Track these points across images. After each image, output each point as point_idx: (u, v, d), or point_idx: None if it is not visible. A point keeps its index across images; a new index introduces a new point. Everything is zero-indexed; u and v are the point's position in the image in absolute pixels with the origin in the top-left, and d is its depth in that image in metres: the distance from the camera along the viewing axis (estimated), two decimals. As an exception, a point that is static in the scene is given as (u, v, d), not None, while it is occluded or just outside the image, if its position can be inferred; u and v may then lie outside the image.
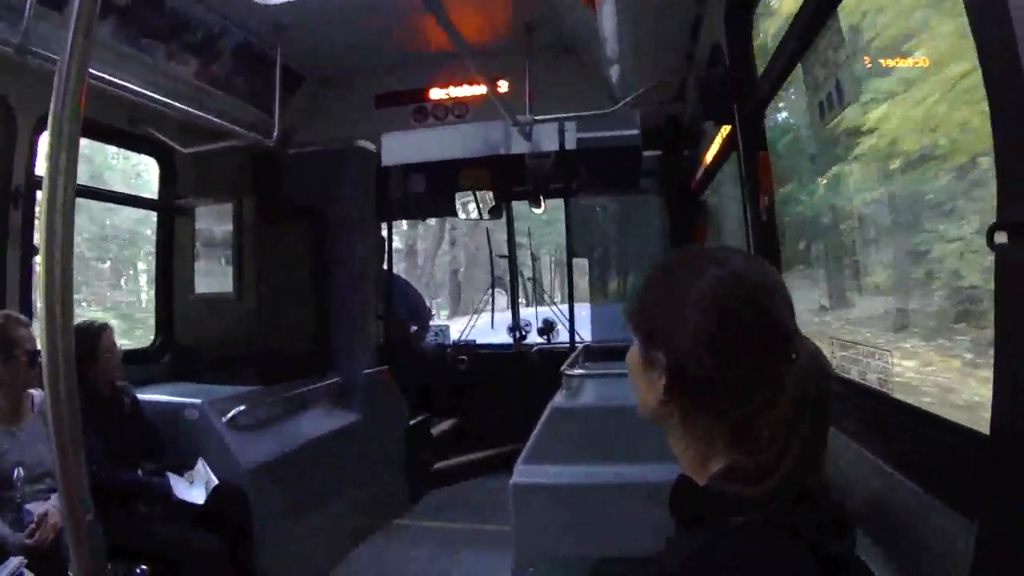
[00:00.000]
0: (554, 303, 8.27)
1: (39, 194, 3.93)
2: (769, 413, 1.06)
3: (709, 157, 4.35)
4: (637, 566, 2.19)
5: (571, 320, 7.21)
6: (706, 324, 1.12)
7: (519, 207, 7.92)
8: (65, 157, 1.21)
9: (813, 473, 1.07)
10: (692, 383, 1.14)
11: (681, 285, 1.17)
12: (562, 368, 3.81)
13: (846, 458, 1.91)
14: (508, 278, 8.20)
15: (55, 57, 1.22)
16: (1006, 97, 1.11)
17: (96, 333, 3.93)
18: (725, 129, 3.79)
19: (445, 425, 7.03)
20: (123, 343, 4.42)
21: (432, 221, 20.14)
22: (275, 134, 4.77)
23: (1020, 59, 1.05)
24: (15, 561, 2.87)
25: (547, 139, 5.93)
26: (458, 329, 8.17)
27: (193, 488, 3.84)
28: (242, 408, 4.30)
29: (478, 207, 7.51)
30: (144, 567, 3.30)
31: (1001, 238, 1.09)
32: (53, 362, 1.23)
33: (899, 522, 1.60)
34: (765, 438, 1.07)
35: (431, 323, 8.00)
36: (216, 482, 3.90)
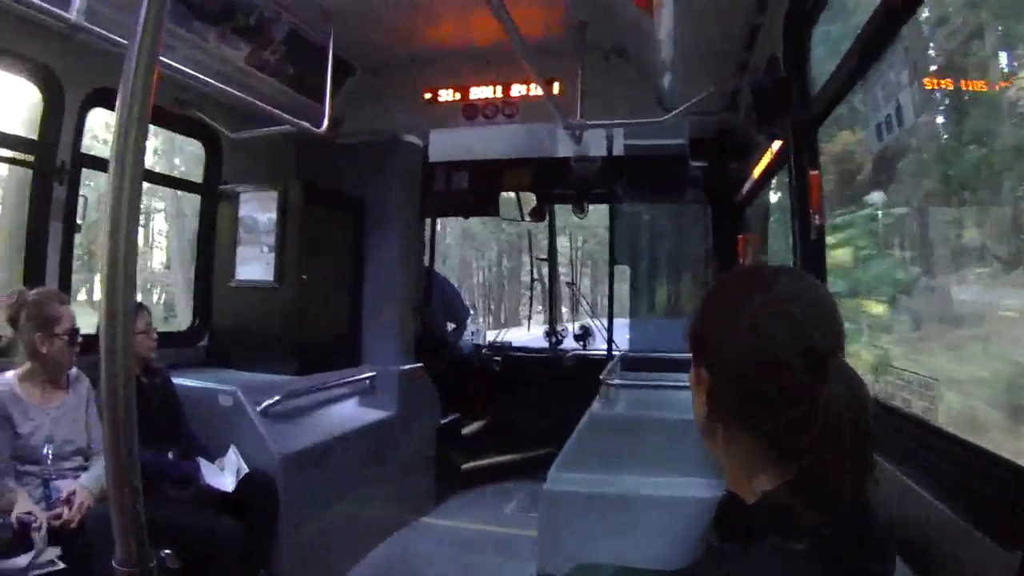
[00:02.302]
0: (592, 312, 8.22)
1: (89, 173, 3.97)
2: (807, 435, 1.06)
3: (758, 171, 4.30)
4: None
5: (610, 328, 7.15)
6: (746, 344, 1.16)
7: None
8: (133, 139, 1.21)
9: (855, 497, 1.07)
10: (731, 400, 1.18)
11: (729, 305, 1.23)
12: (601, 376, 3.78)
13: (887, 485, 1.88)
14: (548, 281, 8.18)
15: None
16: None
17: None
18: (776, 143, 3.75)
19: (475, 426, 7.01)
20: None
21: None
22: (324, 123, 4.77)
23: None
24: (51, 552, 2.91)
25: (595, 144, 5.88)
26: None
27: (223, 475, 3.86)
28: (277, 397, 4.32)
29: (520, 208, 7.49)
30: (168, 551, 3.33)
31: None
32: (110, 346, 1.22)
33: (938, 551, 1.57)
34: (807, 460, 1.07)
35: (468, 323, 7.97)
36: (247, 470, 3.93)
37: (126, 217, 1.20)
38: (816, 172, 3.11)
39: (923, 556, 1.63)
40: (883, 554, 1.10)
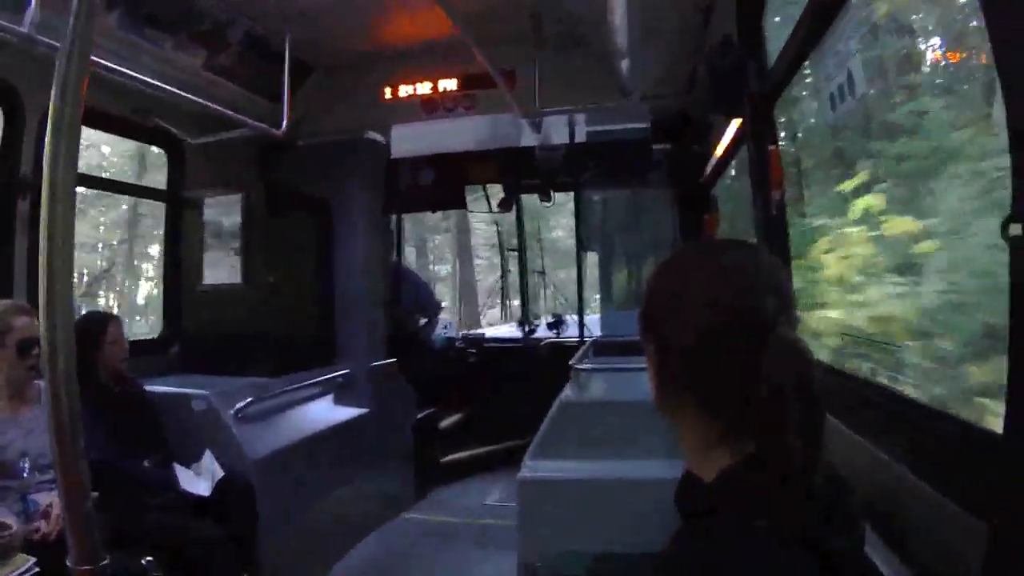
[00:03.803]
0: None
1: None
2: (755, 404, 1.06)
3: (719, 150, 4.32)
4: (644, 561, 2.17)
5: (580, 314, 7.17)
6: (690, 318, 1.15)
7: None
8: (65, 145, 1.21)
9: (811, 466, 1.05)
10: (681, 376, 1.18)
11: (673, 282, 1.23)
12: (571, 362, 3.79)
13: (859, 456, 1.89)
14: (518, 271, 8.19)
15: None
16: (1021, 91, 1.09)
17: (102, 323, 3.96)
18: (736, 122, 3.76)
19: (453, 419, 7.00)
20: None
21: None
22: (284, 124, 4.75)
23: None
24: (26, 562, 2.88)
25: (557, 132, 5.88)
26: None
27: (199, 480, 3.86)
28: (249, 400, 4.30)
29: (487, 200, 7.49)
30: (150, 558, 3.31)
31: (1016, 230, 1.06)
32: (52, 349, 1.22)
33: (910, 522, 1.58)
34: (759, 431, 1.07)
35: (439, 317, 7.96)
36: (222, 474, 3.92)
37: (61, 223, 1.20)
38: (774, 147, 3.12)
39: (894, 526, 1.64)
40: (850, 526, 1.10)
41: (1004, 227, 1.08)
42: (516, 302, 9.39)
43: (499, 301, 8.44)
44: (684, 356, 1.16)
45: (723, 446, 1.14)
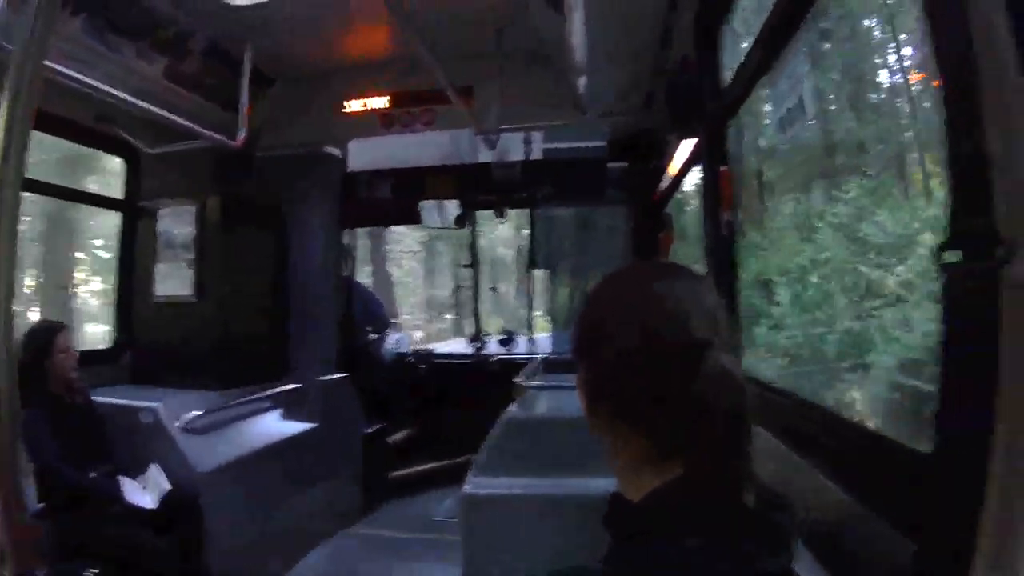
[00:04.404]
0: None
1: None
2: (684, 428, 1.06)
3: (674, 169, 4.36)
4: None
5: (529, 332, 7.18)
6: (618, 339, 1.15)
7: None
8: (14, 152, 1.18)
9: (740, 487, 1.06)
10: (608, 396, 1.17)
11: (605, 303, 1.23)
12: (516, 379, 3.79)
13: (793, 474, 1.90)
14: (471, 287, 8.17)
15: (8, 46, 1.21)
16: (961, 118, 1.10)
17: (51, 332, 3.92)
18: (691, 141, 3.80)
19: (402, 434, 6.95)
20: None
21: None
22: (241, 136, 4.71)
23: (976, 68, 1.04)
24: None
25: (513, 148, 5.91)
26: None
27: (145, 493, 3.84)
28: (198, 413, 4.28)
29: (443, 216, 7.48)
30: (95, 570, 3.28)
31: (952, 257, 1.08)
32: None
33: (842, 540, 1.59)
34: (687, 453, 1.07)
35: (390, 331, 7.91)
36: (168, 487, 3.91)
37: (7, 226, 1.17)
38: (726, 168, 3.15)
39: (830, 546, 1.65)
40: (782, 545, 1.08)
41: (938, 254, 1.10)
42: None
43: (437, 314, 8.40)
44: (612, 378, 1.16)
45: (652, 468, 1.13)
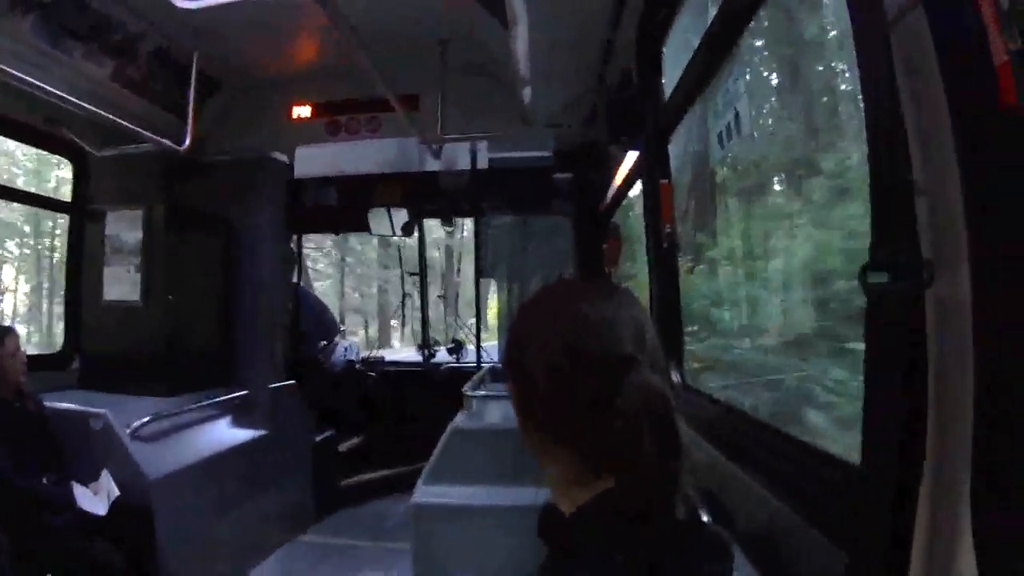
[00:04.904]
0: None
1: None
2: (611, 442, 1.08)
3: (618, 181, 4.40)
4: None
5: (478, 340, 7.20)
6: (544, 355, 1.16)
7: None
8: None
9: (668, 500, 1.07)
10: (536, 410, 1.19)
11: (532, 320, 1.24)
12: (464, 388, 3.81)
13: (735, 487, 1.93)
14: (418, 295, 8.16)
15: None
16: (885, 142, 1.14)
17: None
18: (634, 154, 3.84)
19: (352, 442, 6.91)
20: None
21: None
22: (186, 141, 4.66)
23: (899, 98, 1.08)
24: None
25: (460, 158, 5.93)
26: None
27: (96, 499, 3.79)
28: (146, 419, 4.22)
29: (391, 224, 7.46)
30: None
31: (877, 278, 1.11)
32: None
33: (780, 551, 1.62)
34: (614, 468, 1.09)
35: (339, 339, 7.86)
36: (117, 493, 3.85)
37: None
38: (666, 182, 3.19)
39: (766, 557, 1.68)
40: (715, 557, 1.11)
41: (862, 274, 1.13)
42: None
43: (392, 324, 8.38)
44: (538, 392, 1.17)
45: (582, 483, 1.15)
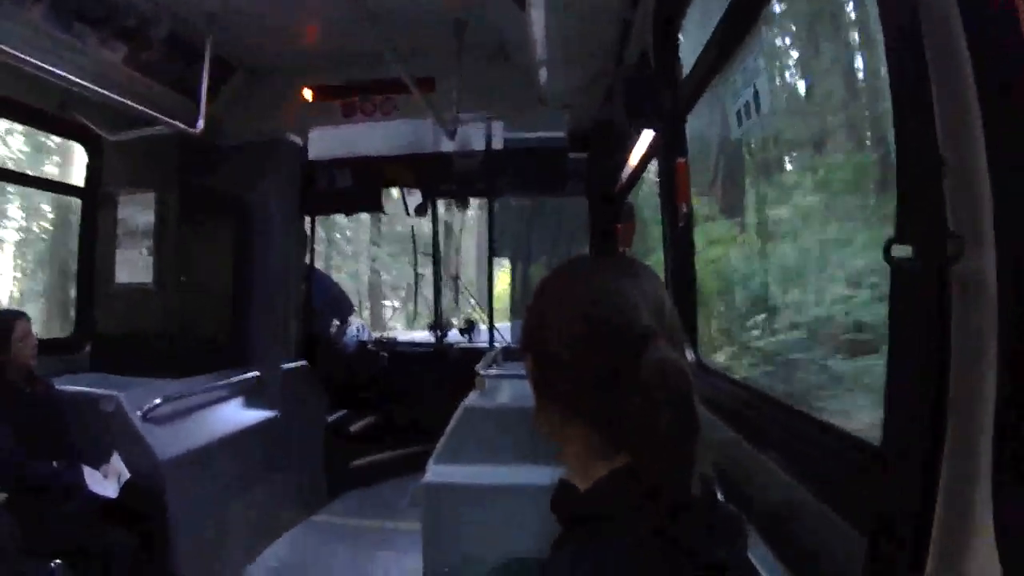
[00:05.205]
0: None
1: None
2: (629, 417, 1.06)
3: (633, 161, 4.38)
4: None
5: (490, 320, 7.18)
6: (563, 330, 1.16)
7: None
8: None
9: (685, 478, 1.06)
10: (555, 388, 1.19)
11: (551, 296, 1.24)
12: (476, 367, 3.80)
13: (752, 467, 1.92)
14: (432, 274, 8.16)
15: None
16: (912, 115, 1.12)
17: (9, 321, 3.85)
18: (649, 134, 3.82)
19: (364, 422, 6.92)
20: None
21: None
22: (200, 124, 4.65)
23: (929, 78, 1.06)
24: None
25: (474, 138, 5.92)
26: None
27: (107, 482, 3.78)
28: (158, 401, 4.20)
29: (405, 204, 7.46)
30: (59, 561, 3.26)
31: (901, 251, 1.09)
32: None
33: (796, 532, 1.61)
34: (632, 444, 1.08)
35: (352, 319, 7.87)
36: (128, 476, 3.84)
37: None
38: (683, 160, 3.17)
39: (781, 538, 1.67)
40: (730, 537, 1.10)
41: (887, 249, 1.11)
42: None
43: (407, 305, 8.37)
44: (559, 370, 1.17)
45: (600, 459, 1.14)
